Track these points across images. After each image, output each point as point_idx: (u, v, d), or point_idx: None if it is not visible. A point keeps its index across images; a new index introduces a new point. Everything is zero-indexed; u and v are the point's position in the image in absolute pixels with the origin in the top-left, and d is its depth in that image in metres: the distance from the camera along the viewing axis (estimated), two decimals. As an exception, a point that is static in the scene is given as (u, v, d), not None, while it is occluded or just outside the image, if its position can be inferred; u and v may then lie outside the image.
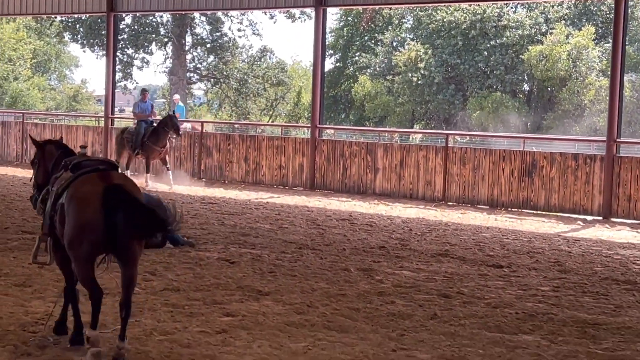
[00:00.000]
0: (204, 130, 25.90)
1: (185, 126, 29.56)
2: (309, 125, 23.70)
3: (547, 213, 19.27)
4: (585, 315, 9.35)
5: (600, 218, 18.59)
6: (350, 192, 21.84)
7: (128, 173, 22.91)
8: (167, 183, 22.47)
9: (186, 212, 17.13)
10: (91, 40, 53.28)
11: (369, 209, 19.31)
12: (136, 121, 23.29)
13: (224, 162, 24.14)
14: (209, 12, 50.92)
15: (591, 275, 11.94)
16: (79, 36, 54.84)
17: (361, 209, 19.25)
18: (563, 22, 48.47)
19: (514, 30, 48.25)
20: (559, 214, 19.17)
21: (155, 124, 22.96)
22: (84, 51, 55.91)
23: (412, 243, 14.33)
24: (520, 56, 47.64)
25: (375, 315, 9.03)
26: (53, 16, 49.49)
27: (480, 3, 45.62)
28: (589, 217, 18.72)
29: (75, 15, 48.40)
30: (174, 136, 22.69)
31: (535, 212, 19.40)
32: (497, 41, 48.39)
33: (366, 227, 16.13)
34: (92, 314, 7.08)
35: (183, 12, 48.13)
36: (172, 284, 10.13)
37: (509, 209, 19.70)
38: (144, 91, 24.57)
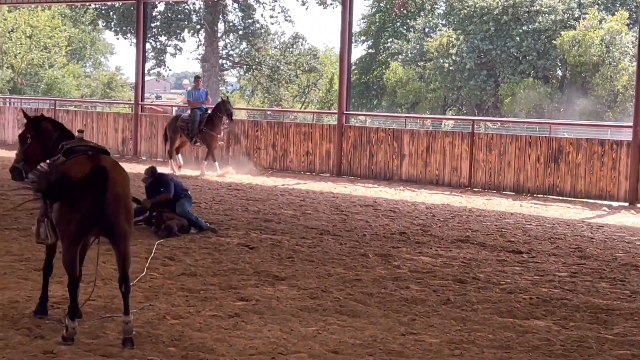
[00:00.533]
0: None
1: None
2: (336, 111, 23.74)
3: (573, 199, 19.20)
4: (599, 301, 9.35)
5: (627, 204, 18.48)
6: (377, 178, 21.87)
7: (180, 159, 23.08)
8: (201, 169, 22.52)
9: (211, 198, 17.29)
10: (124, 28, 53.58)
11: (394, 195, 19.35)
12: (189, 109, 23.04)
13: (251, 148, 24.25)
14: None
15: (611, 261, 11.91)
16: (112, 23, 55.21)
17: (386, 195, 19.29)
18: (596, 7, 48.06)
19: (546, 15, 47.89)
20: (584, 200, 19.09)
21: (209, 111, 22.80)
22: (117, 38, 56.23)
23: (433, 229, 14.35)
24: (553, 41, 47.29)
25: (388, 300, 9.09)
26: (87, 4, 49.86)
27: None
28: (615, 204, 18.62)
29: (109, 3, 48.71)
30: (227, 121, 22.53)
31: (561, 198, 19.33)
32: (530, 26, 48.08)
33: (389, 213, 16.16)
34: (70, 301, 7.32)
35: (210, 0, 48.33)
36: (190, 269, 10.25)
37: (535, 195, 19.63)
38: (197, 78, 24.26)
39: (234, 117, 22.79)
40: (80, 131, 8.32)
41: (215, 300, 8.80)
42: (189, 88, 30.03)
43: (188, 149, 24.24)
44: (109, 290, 8.91)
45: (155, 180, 13.50)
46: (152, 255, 10.91)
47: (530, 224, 15.38)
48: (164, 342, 7.28)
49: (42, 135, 8.22)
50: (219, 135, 22.49)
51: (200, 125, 22.41)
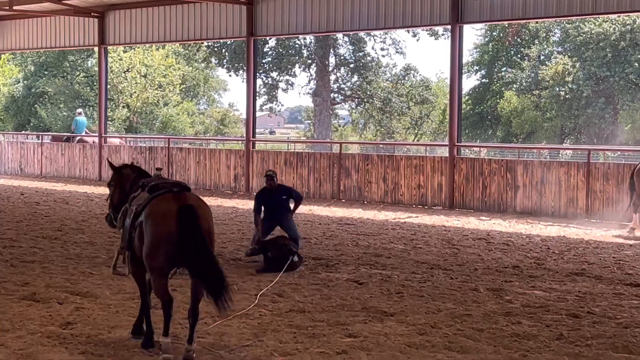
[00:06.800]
0: (342, 151, 25.92)
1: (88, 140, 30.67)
2: (447, 144, 23.47)
3: (696, 229, 18.48)
4: None
5: None
6: (490, 210, 21.52)
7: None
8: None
9: (322, 233, 17.30)
10: (236, 65, 54.54)
11: (508, 228, 18.96)
12: None
13: (362, 182, 24.20)
14: (351, 33, 51.21)
15: None
16: (225, 61, 56.25)
17: (500, 228, 18.94)
18: None
19: (665, 39, 46.70)
20: None
21: None
22: (230, 75, 57.12)
23: (548, 262, 14.02)
24: (673, 66, 46.05)
25: (499, 335, 8.89)
26: (200, 42, 50.92)
27: (631, 14, 44.27)
28: None
29: (221, 41, 49.60)
30: None
31: (683, 228, 18.63)
32: (649, 51, 46.91)
33: (502, 247, 15.87)
34: (164, 322, 7.75)
35: (320, 34, 48.65)
36: (298, 305, 10.24)
37: (656, 225, 18.96)
38: None
39: None
40: (159, 169, 8.97)
41: (324, 337, 8.75)
42: (79, 117, 31.01)
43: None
44: (218, 327, 8.96)
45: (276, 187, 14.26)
46: (261, 292, 10.95)
47: (650, 256, 14.88)
48: (270, 380, 7.27)
49: (123, 180, 8.86)
50: None
51: None
